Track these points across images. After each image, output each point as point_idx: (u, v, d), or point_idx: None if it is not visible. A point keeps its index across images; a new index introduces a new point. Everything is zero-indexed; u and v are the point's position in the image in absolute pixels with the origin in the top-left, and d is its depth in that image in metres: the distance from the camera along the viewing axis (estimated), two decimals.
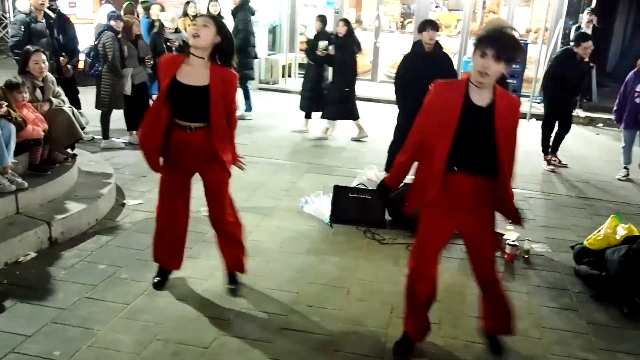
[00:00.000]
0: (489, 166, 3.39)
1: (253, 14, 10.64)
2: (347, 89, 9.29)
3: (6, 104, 5.23)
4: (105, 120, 8.20)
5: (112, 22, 8.02)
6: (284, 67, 14.53)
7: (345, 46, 9.21)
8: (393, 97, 7.32)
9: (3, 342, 3.71)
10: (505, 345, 3.96)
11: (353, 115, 9.53)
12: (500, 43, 3.17)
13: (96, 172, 6.52)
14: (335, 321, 4.22)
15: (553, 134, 8.86)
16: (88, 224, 5.53)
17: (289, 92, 13.84)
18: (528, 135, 10.24)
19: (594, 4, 12.52)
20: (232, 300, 4.41)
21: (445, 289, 4.55)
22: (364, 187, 6.21)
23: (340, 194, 6.06)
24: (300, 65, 15.40)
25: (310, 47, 9.71)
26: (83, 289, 4.42)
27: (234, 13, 10.58)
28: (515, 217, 3.69)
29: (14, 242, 4.77)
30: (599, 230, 5.35)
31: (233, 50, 4.07)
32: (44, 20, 7.79)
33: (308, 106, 9.89)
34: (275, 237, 5.62)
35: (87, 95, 8.52)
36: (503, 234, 5.65)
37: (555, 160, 8.91)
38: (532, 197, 7.41)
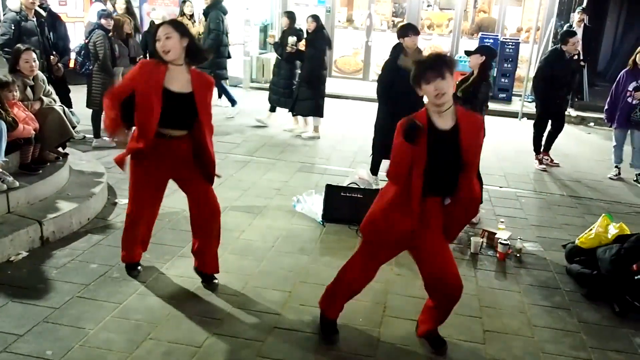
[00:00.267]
0: (456, 185, 3.53)
1: (225, 13, 10.61)
2: (314, 86, 9.30)
3: None
4: (96, 120, 8.17)
5: (103, 21, 7.99)
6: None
7: (314, 42, 9.24)
8: None
9: None
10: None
11: (319, 113, 9.56)
12: (434, 63, 3.34)
13: (87, 171, 6.49)
14: None
15: (546, 133, 8.90)
16: (79, 223, 5.51)
17: None
18: (520, 135, 10.31)
19: (585, 3, 12.57)
20: (224, 300, 4.40)
21: None
22: (356, 187, 6.21)
23: (333, 193, 6.06)
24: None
25: (279, 43, 9.77)
26: (75, 288, 4.40)
27: (206, 12, 10.53)
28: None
29: (5, 241, 4.74)
30: (591, 229, 5.38)
31: (200, 47, 4.10)
32: (34, 19, 7.75)
33: (276, 101, 9.96)
34: (267, 236, 5.61)
35: (78, 94, 8.49)
36: (495, 233, 5.68)
37: (547, 159, 8.94)
38: (524, 196, 7.44)
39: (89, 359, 3.62)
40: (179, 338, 3.88)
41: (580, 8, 12.20)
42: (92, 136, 8.26)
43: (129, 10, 9.14)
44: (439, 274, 3.66)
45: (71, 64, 8.91)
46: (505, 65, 13.56)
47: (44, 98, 6.22)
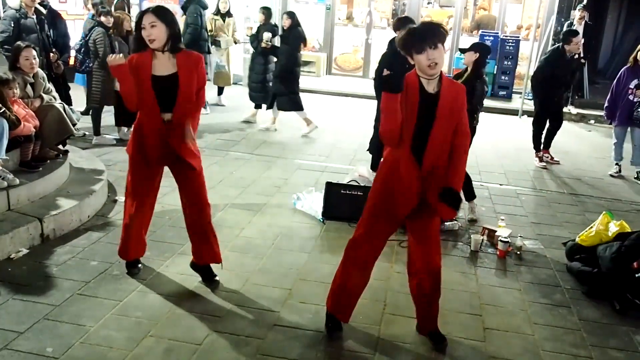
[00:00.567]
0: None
1: (205, 7, 10.60)
2: (288, 82, 9.34)
3: (1, 106, 5.22)
4: (96, 117, 8.17)
5: (103, 18, 7.98)
6: None
7: (288, 39, 9.31)
8: None
9: None
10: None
11: (299, 107, 9.60)
12: (427, 32, 3.38)
13: (87, 168, 6.49)
14: None
15: (545, 131, 8.89)
16: (80, 220, 5.51)
17: None
18: (520, 132, 10.30)
19: (585, 1, 12.56)
20: (224, 297, 4.40)
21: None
22: (356, 184, 6.21)
23: (332, 190, 6.06)
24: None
25: (254, 38, 9.85)
26: (75, 286, 4.40)
27: (185, 7, 10.54)
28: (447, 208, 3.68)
29: (6, 238, 4.74)
30: (591, 227, 5.38)
31: (179, 39, 4.12)
32: (34, 16, 7.74)
33: (259, 98, 10.04)
34: (267, 234, 5.61)
35: (78, 91, 8.49)
36: (495, 230, 5.68)
37: (547, 157, 8.94)
38: (524, 193, 7.44)
39: (89, 356, 3.62)
40: (179, 335, 3.88)
41: (581, 5, 12.19)
42: (92, 133, 8.25)
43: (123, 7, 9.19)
44: (424, 254, 3.76)
45: (71, 62, 8.92)
46: (506, 62, 13.57)
47: (44, 95, 6.21)
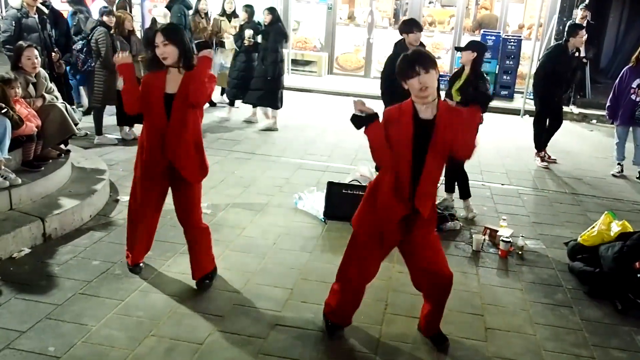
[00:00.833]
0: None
1: (189, 8, 10.59)
2: (269, 78, 9.36)
3: (4, 106, 5.23)
4: (98, 116, 8.17)
5: (105, 18, 7.99)
6: None
7: (269, 35, 9.35)
8: None
9: None
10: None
11: (274, 104, 9.64)
12: (418, 58, 3.44)
13: (89, 168, 6.50)
14: None
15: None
16: (82, 219, 5.51)
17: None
18: (521, 132, 10.29)
19: (587, 0, 12.54)
20: (225, 297, 4.41)
21: None
22: (358, 184, 6.20)
23: (334, 190, 6.06)
24: (293, 61, 15.42)
25: (238, 37, 9.88)
26: (77, 285, 4.41)
27: (169, 6, 10.52)
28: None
29: (8, 238, 4.75)
30: (593, 227, 5.37)
31: (191, 56, 4.18)
32: (35, 16, 7.75)
33: (233, 94, 10.08)
34: (269, 233, 5.61)
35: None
36: (497, 230, 5.68)
37: (545, 156, 8.93)
38: (526, 193, 7.43)
39: (91, 355, 3.62)
40: (181, 335, 3.89)
41: (583, 5, 12.17)
42: (94, 133, 8.26)
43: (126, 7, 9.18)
44: (430, 266, 3.73)
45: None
46: (507, 62, 13.55)
47: (46, 95, 6.21)
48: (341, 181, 6.33)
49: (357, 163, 7.10)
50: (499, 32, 14.03)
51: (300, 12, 15.66)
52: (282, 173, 7.48)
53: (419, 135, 3.47)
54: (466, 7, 15.16)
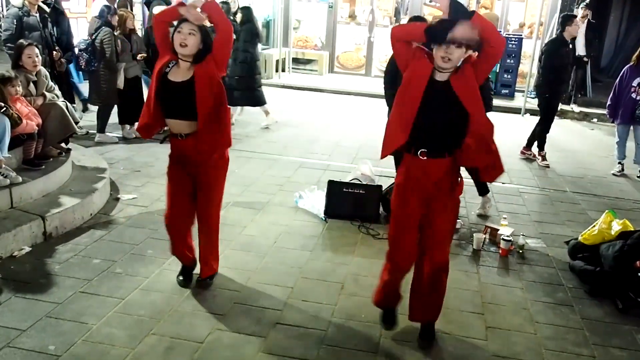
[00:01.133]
0: (452, 143, 3.58)
1: (168, 4, 10.54)
2: (236, 77, 9.36)
3: (3, 105, 5.23)
4: (104, 115, 8.17)
5: (111, 18, 7.99)
6: (277, 61, 14.52)
7: (240, 34, 9.34)
8: None
9: None
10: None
11: (258, 101, 9.65)
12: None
13: (90, 166, 6.50)
14: (330, 316, 4.22)
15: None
16: (82, 218, 5.51)
17: (282, 87, 13.85)
18: (522, 131, 10.27)
19: None
20: (226, 295, 4.41)
21: None
22: (359, 182, 6.21)
23: (335, 189, 6.06)
24: (294, 60, 15.42)
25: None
26: (77, 284, 4.41)
27: (148, 3, 10.45)
28: (494, 169, 3.78)
29: (9, 236, 4.75)
30: (594, 226, 5.36)
31: (208, 51, 4.04)
32: (37, 14, 7.75)
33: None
34: (270, 232, 5.61)
35: (81, 89, 8.49)
36: (498, 229, 5.67)
37: (530, 154, 8.93)
38: (527, 192, 7.42)
39: (91, 354, 3.62)
40: (182, 333, 3.89)
41: (584, 4, 12.18)
42: (95, 131, 8.26)
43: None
44: (427, 252, 3.75)
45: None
46: (508, 61, 13.54)
47: (46, 93, 6.21)
48: (342, 180, 6.33)
49: (358, 162, 7.09)
50: (500, 31, 14.01)
51: (301, 10, 15.66)
52: (282, 172, 7.48)
53: (430, 96, 3.44)
54: (467, 6, 15.15)
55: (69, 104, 6.44)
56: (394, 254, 3.84)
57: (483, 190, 6.38)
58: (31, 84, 6.10)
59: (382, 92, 6.67)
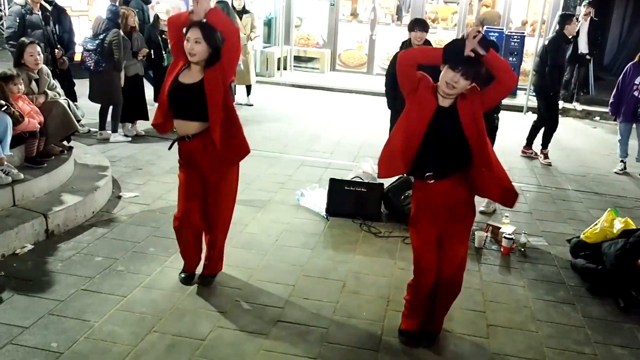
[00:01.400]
0: (458, 164, 3.57)
1: (147, 2, 10.48)
2: None
3: (5, 103, 5.24)
4: (115, 114, 8.17)
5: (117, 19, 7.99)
6: (279, 59, 14.51)
7: None
8: None
9: (0, 334, 3.71)
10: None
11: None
12: (472, 61, 3.32)
13: (92, 164, 6.50)
14: (331, 314, 4.23)
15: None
16: (84, 216, 5.52)
17: (284, 85, 13.84)
18: (525, 129, 10.25)
19: None
20: (228, 293, 4.41)
21: None
22: (360, 180, 6.20)
23: (336, 187, 6.06)
24: (296, 58, 15.41)
25: None
26: (79, 281, 4.41)
27: (127, 1, 10.43)
28: (509, 196, 3.64)
29: (11, 234, 4.76)
30: (596, 224, 5.36)
31: (218, 55, 4.03)
32: (39, 12, 7.76)
33: None
34: (271, 230, 5.61)
35: (83, 88, 8.48)
36: (499, 227, 5.67)
37: (531, 152, 8.93)
38: (529, 190, 7.42)
39: (93, 351, 3.63)
40: (183, 331, 3.89)
41: (587, 1, 12.15)
42: (97, 129, 8.26)
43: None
44: (441, 265, 3.75)
45: (77, 57, 8.90)
46: (510, 59, 13.48)
47: (48, 91, 6.22)
48: (343, 178, 6.33)
49: (360, 160, 7.09)
50: (502, 29, 14.00)
51: (303, 8, 15.65)
52: (284, 170, 7.48)
53: (436, 121, 3.43)
54: (469, 4, 15.13)
55: (70, 102, 6.44)
56: (419, 261, 3.80)
57: None
58: (33, 82, 6.11)
59: (384, 90, 6.71)
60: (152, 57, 8.93)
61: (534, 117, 9.31)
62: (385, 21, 15.49)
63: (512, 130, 10.61)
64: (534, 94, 12.26)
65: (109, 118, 8.24)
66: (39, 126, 5.70)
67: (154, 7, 11.59)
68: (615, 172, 8.48)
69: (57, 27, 8.20)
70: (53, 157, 5.98)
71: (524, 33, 13.90)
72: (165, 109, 4.13)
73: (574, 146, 9.81)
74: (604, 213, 5.44)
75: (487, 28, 13.83)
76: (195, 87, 3.98)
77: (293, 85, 13.81)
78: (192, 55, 3.95)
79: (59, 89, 6.52)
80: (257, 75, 13.68)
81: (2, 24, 9.00)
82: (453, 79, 3.33)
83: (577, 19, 11.73)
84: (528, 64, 13.44)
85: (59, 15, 8.43)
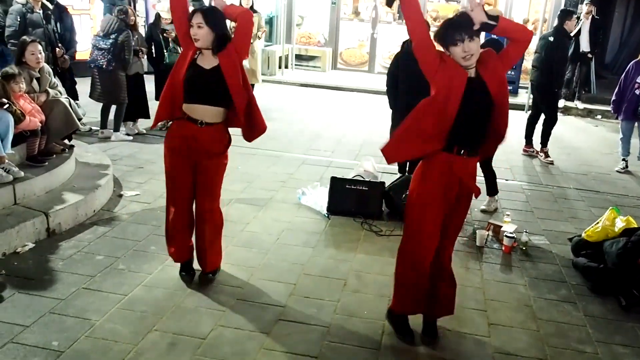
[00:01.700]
0: (489, 136, 3.67)
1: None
2: None
3: (7, 101, 5.24)
4: (119, 113, 8.17)
5: (125, 17, 7.99)
6: (280, 58, 14.51)
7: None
8: None
9: (1, 332, 3.71)
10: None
11: None
12: (464, 24, 3.33)
13: (93, 163, 6.50)
14: (332, 312, 4.22)
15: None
16: (85, 215, 5.52)
17: (286, 83, 13.84)
18: (525, 127, 10.25)
19: None
20: (229, 292, 4.41)
21: None
22: (361, 179, 6.20)
23: (337, 185, 6.06)
24: (297, 57, 15.41)
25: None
26: (81, 280, 4.41)
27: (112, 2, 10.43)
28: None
29: (12, 232, 4.76)
30: (597, 223, 5.36)
31: (226, 40, 4.08)
32: (40, 11, 7.76)
33: None
34: (272, 228, 5.61)
35: (84, 86, 8.48)
36: (501, 226, 5.67)
37: (532, 151, 8.93)
38: (530, 189, 7.42)
39: (94, 350, 3.63)
40: (184, 329, 3.89)
41: (588, 0, 12.14)
42: (98, 128, 8.26)
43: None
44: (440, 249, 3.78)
45: (78, 56, 8.91)
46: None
47: (49, 90, 6.22)
48: (345, 176, 6.33)
49: (361, 158, 7.08)
50: None
51: (304, 7, 15.64)
52: (285, 168, 7.48)
53: (466, 95, 3.39)
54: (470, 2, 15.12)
55: (72, 101, 6.45)
56: (417, 240, 3.75)
57: (492, 191, 6.38)
58: (34, 81, 6.11)
59: (385, 89, 6.68)
60: (154, 55, 8.91)
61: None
62: (386, 20, 15.48)
63: (513, 129, 10.58)
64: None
65: (110, 117, 8.25)
66: (40, 125, 5.71)
67: (155, 6, 11.61)
68: (617, 171, 8.47)
69: (58, 25, 8.21)
70: (54, 156, 5.97)
71: None
72: (169, 104, 4.13)
73: (576, 145, 9.80)
74: (605, 212, 5.43)
75: None
76: (214, 72, 4.04)
77: (294, 84, 13.81)
78: (196, 40, 3.99)
79: (60, 88, 6.53)
80: None
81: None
82: (464, 49, 3.30)
83: (579, 18, 11.75)
84: (529, 62, 13.40)
85: (61, 13, 8.45)
